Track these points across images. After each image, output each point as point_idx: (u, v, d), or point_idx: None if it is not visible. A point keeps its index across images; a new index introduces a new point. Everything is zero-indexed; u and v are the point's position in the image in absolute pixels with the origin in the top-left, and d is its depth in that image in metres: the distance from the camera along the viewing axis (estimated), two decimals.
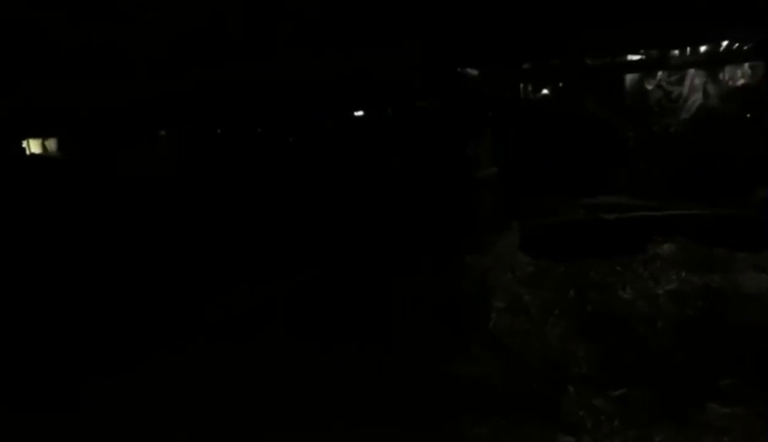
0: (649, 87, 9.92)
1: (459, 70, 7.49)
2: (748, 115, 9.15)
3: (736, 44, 8.65)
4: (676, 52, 9.23)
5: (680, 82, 9.73)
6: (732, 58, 9.07)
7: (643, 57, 9.30)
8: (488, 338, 5.49)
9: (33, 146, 7.80)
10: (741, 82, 9.50)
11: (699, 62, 9.23)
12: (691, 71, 9.55)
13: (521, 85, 9.34)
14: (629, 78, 9.86)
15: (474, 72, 7.70)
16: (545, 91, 9.67)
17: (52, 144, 7.92)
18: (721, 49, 8.88)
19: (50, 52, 6.43)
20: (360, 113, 8.31)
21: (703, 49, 8.98)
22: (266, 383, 4.62)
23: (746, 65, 9.27)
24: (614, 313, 5.70)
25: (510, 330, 5.64)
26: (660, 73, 9.78)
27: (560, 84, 9.62)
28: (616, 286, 6.11)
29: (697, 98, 9.62)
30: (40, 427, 4.19)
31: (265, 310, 5.98)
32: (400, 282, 6.24)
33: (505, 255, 7.04)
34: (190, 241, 6.71)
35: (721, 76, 9.59)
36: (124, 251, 6.47)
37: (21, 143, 7.57)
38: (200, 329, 5.52)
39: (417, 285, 6.27)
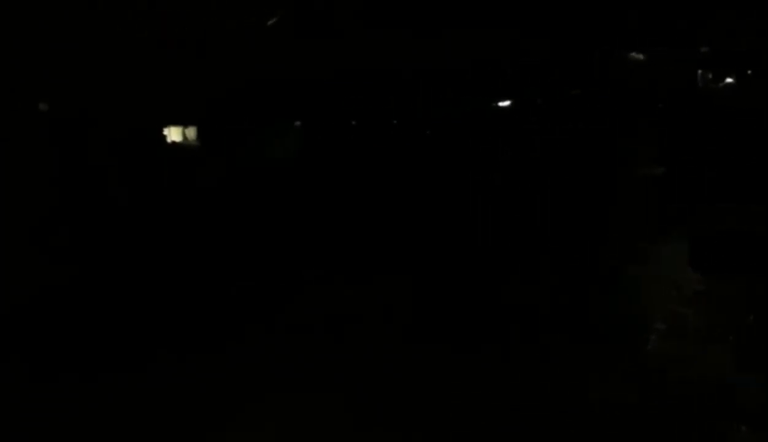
0: None
1: (622, 53, 6.54)
2: None
3: None
4: None
5: None
6: None
7: None
8: (641, 363, 4.62)
9: (174, 134, 7.94)
10: None
11: None
12: None
13: (698, 72, 8.00)
14: None
15: (640, 56, 6.68)
16: (729, 80, 8.23)
17: (191, 132, 8.01)
18: None
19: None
20: (505, 103, 7.54)
21: None
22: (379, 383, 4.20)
23: None
24: None
25: (669, 355, 4.72)
26: None
27: (748, 71, 8.14)
28: None
29: None
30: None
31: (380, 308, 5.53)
32: (539, 289, 5.54)
33: (668, 268, 6.06)
34: (306, 232, 6.48)
35: None
36: (243, 237, 6.37)
37: (163, 131, 7.74)
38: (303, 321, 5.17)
39: (558, 294, 5.54)
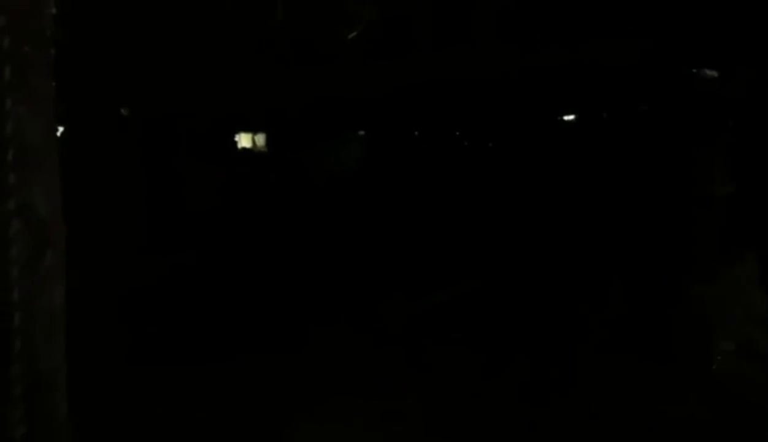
0: None
1: (694, 70, 6.44)
2: None
3: None
4: None
5: None
6: None
7: None
8: (707, 382, 4.57)
9: (244, 140, 8.18)
10: None
11: None
12: None
13: None
14: None
15: (713, 73, 6.57)
16: None
17: (260, 139, 8.24)
18: None
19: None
20: (570, 117, 7.51)
21: None
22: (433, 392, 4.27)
23: None
24: None
25: (737, 376, 4.65)
26: None
27: None
28: None
29: None
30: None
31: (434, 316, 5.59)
32: (609, 307, 5.51)
33: (738, 289, 5.92)
34: (368, 241, 6.57)
35: None
36: (305, 245, 6.51)
37: (234, 137, 7.99)
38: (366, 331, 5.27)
39: (627, 313, 5.49)
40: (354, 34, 5.18)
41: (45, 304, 2.20)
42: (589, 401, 4.14)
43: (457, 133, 7.87)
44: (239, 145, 8.07)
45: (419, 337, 5.30)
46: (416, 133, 8.03)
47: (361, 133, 8.18)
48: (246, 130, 8.00)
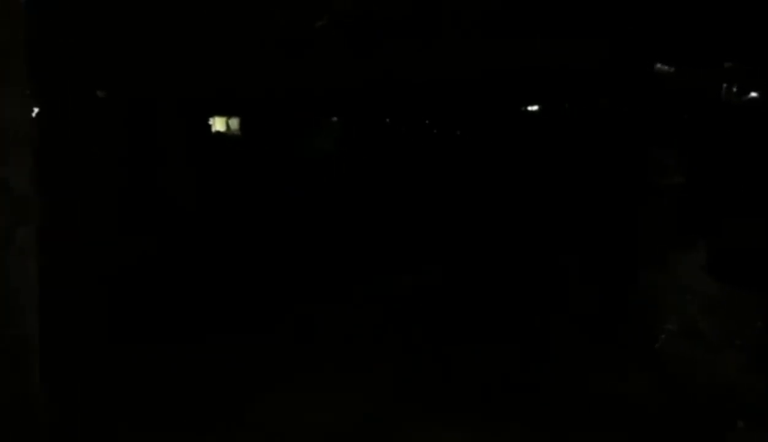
0: None
1: (652, 66, 6.71)
2: None
3: None
4: None
5: None
6: None
7: None
8: (650, 360, 4.83)
9: (218, 124, 8.29)
10: None
11: None
12: None
13: (724, 86, 8.14)
14: None
15: (669, 69, 6.84)
16: (754, 94, 8.34)
17: (234, 123, 8.35)
18: None
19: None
20: (534, 108, 7.78)
21: None
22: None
23: None
24: None
25: (677, 355, 4.92)
26: None
27: None
28: None
29: None
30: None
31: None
32: (561, 291, 5.76)
33: (685, 275, 6.24)
34: (341, 224, 6.75)
35: None
36: (279, 227, 6.67)
37: (209, 121, 8.09)
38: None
39: (575, 291, 5.75)
40: (322, 23, 5.34)
41: (20, 275, 2.38)
42: (539, 379, 4.36)
43: (427, 121, 8.08)
44: (213, 129, 8.18)
45: (388, 318, 5.53)
46: (387, 120, 8.23)
47: (335, 119, 8.36)
48: (220, 113, 8.12)
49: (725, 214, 6.79)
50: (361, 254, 6.91)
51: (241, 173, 7.62)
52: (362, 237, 7.18)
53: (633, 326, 5.40)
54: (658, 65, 6.77)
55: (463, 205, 7.20)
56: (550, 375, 4.46)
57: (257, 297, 5.86)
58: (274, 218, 7.05)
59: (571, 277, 6.16)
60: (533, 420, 3.78)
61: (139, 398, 3.88)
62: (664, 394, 4.27)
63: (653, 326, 5.38)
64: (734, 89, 7.95)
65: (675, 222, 6.57)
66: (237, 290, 5.97)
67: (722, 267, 6.28)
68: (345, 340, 4.93)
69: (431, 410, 3.84)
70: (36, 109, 5.91)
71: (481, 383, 4.29)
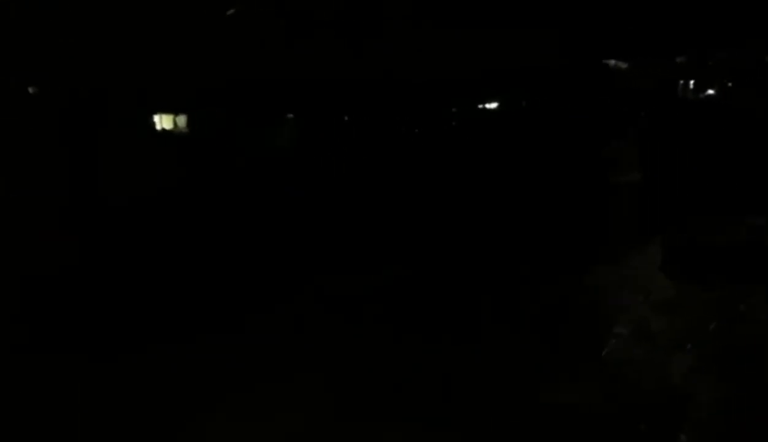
0: None
1: (605, 61, 6.64)
2: None
3: None
4: None
5: None
6: None
7: None
8: (597, 365, 4.77)
9: (165, 122, 8.05)
10: None
11: None
12: None
13: (680, 82, 8.11)
14: None
15: (623, 64, 6.79)
16: (710, 91, 8.32)
17: (182, 120, 8.11)
18: None
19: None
20: (493, 105, 7.67)
21: None
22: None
23: None
24: (761, 353, 4.71)
25: (627, 359, 4.87)
26: None
27: (729, 83, 8.23)
28: None
29: None
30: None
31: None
32: (513, 288, 5.69)
33: (639, 273, 6.21)
34: (299, 222, 6.63)
35: None
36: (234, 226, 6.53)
37: (153, 118, 7.86)
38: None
39: (527, 292, 5.68)
40: (232, 11, 5.20)
41: None
42: (485, 386, 4.30)
43: (386, 119, 7.95)
44: (159, 126, 7.94)
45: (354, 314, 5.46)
46: (346, 118, 8.09)
47: (290, 116, 8.19)
48: (166, 110, 7.88)
49: (682, 211, 6.78)
50: (315, 253, 6.79)
51: (187, 172, 7.42)
52: (319, 236, 7.07)
53: (582, 329, 5.35)
54: (612, 61, 6.72)
55: (416, 204, 7.10)
56: (497, 382, 4.42)
57: (178, 302, 5.73)
58: (221, 219, 6.88)
59: (523, 278, 6.09)
60: (477, 432, 3.74)
61: None
62: (611, 401, 4.24)
63: (603, 327, 5.34)
64: (691, 86, 7.93)
65: (632, 220, 6.53)
66: (156, 294, 5.84)
67: (678, 265, 6.26)
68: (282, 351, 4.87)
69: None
70: None
71: (424, 390, 4.24)
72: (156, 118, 7.68)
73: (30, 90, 5.96)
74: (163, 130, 7.81)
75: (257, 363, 4.59)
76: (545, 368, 4.59)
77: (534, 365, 4.61)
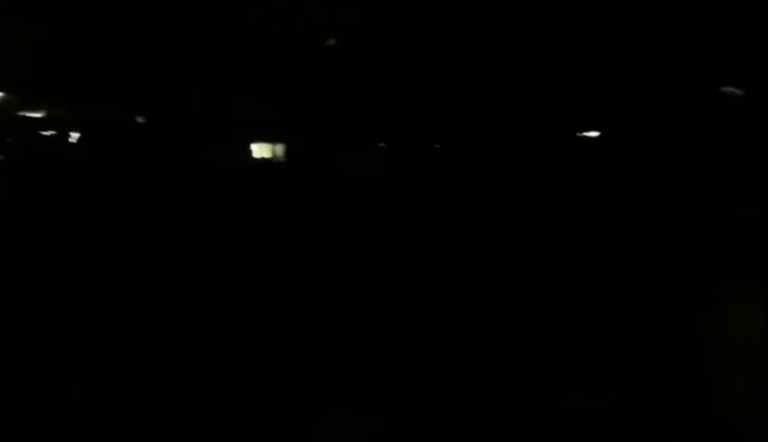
0: None
1: (715, 87, 6.07)
2: None
3: None
4: None
5: None
6: None
7: None
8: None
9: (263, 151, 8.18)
10: None
11: None
12: None
13: None
14: None
15: (737, 91, 6.17)
16: None
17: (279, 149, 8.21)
18: None
19: None
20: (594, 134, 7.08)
21: None
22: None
23: None
24: None
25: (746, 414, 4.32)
26: None
27: None
28: None
29: None
30: None
31: None
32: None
33: (748, 320, 5.45)
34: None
35: None
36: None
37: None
38: None
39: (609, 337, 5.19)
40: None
41: None
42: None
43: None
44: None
45: None
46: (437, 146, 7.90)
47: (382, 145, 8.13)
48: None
49: None
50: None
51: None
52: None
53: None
54: (728, 88, 6.14)
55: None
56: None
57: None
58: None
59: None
60: None
61: None
62: None
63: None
64: None
65: (741, 260, 5.77)
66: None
67: None
68: None
69: None
70: None
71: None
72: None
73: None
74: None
75: None
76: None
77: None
